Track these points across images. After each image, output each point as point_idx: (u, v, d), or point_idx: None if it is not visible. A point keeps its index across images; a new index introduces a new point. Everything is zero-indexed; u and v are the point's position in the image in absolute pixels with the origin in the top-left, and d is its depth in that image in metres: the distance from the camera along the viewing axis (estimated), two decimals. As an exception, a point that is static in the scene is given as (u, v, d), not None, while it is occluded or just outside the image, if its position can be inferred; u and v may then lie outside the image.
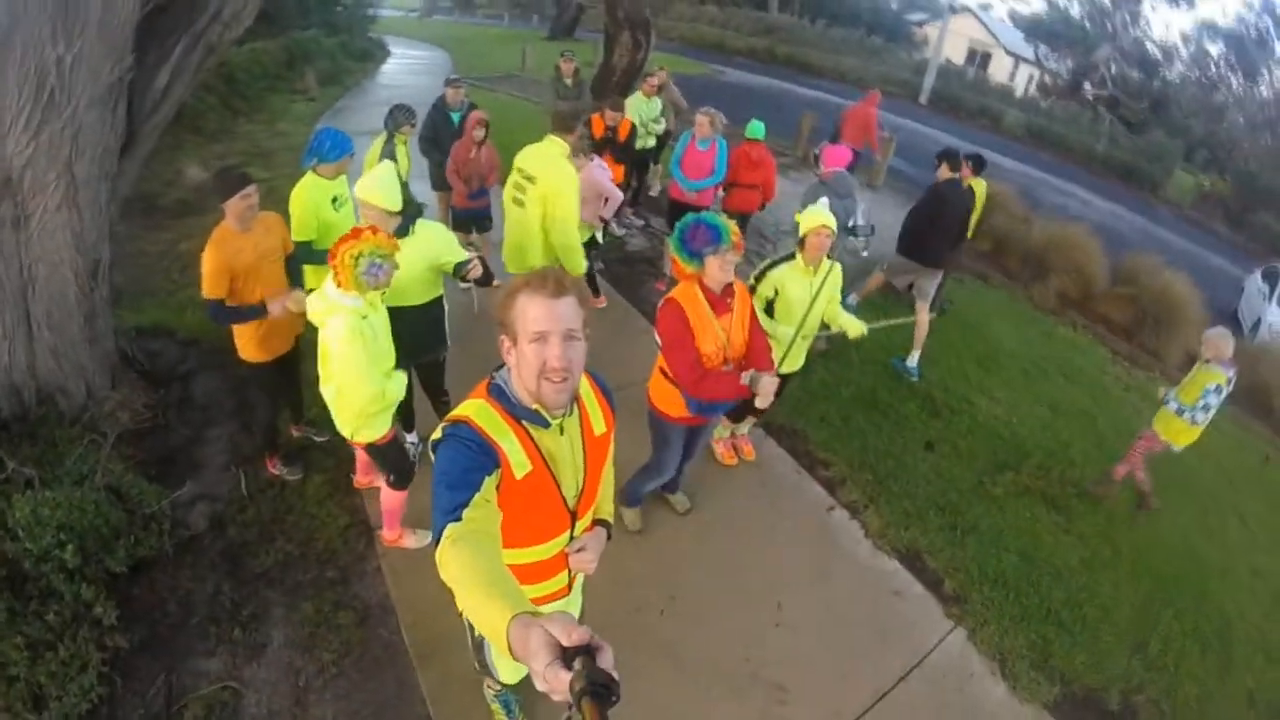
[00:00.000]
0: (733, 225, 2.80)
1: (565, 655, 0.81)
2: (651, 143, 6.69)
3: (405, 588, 3.10)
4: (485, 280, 3.25)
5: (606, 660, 0.81)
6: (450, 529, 1.27)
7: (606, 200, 4.61)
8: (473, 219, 5.28)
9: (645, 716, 2.80)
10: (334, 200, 3.50)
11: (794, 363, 3.77)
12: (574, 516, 1.70)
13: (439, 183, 5.56)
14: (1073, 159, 19.33)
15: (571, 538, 1.74)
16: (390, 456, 2.93)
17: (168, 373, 4.17)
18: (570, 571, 1.83)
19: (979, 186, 6.39)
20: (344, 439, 2.87)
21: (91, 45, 2.91)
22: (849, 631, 3.45)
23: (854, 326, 3.69)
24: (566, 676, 0.79)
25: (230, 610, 2.90)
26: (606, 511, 1.89)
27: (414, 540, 3.24)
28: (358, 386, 2.56)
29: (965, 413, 5.60)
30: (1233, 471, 6.69)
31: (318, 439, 3.78)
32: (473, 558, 1.19)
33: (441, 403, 3.65)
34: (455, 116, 5.43)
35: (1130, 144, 20.83)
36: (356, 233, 2.44)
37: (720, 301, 2.85)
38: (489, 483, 1.42)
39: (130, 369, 3.99)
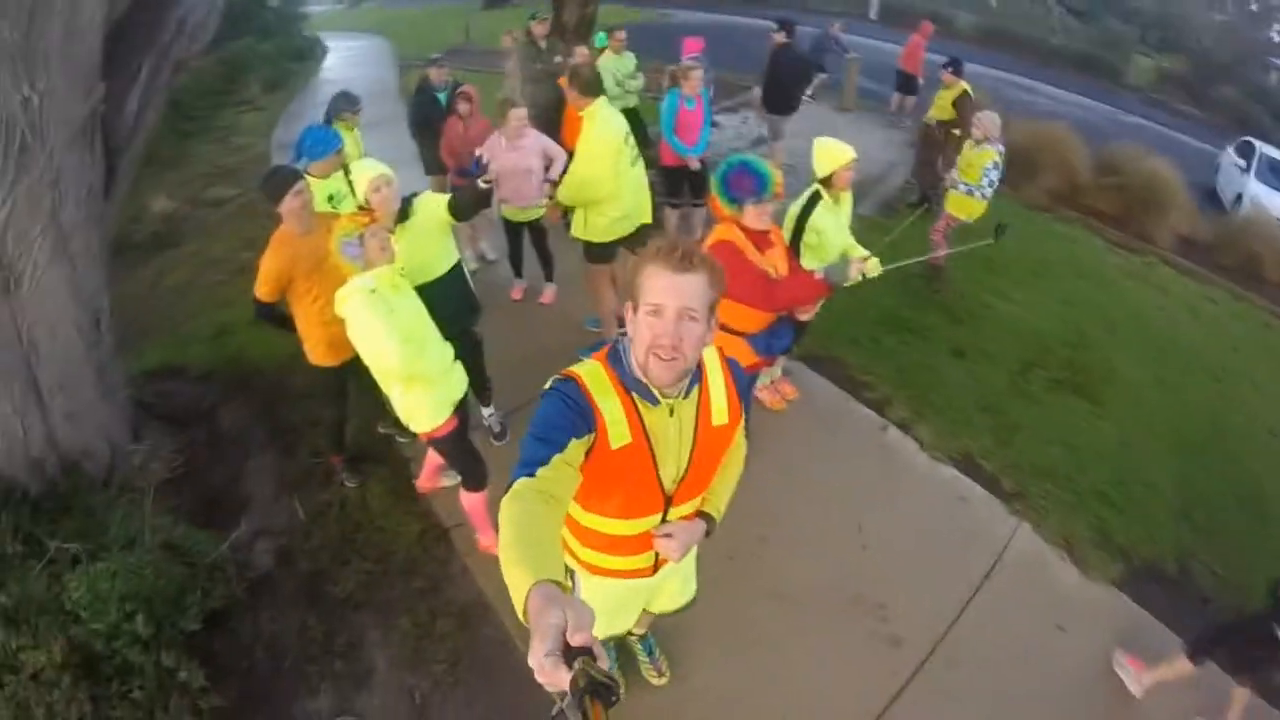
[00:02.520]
0: (777, 174, 2.74)
1: (566, 653, 0.82)
2: (632, 101, 6.33)
3: (499, 582, 3.01)
4: (484, 199, 3.09)
5: (604, 665, 0.81)
6: (520, 482, 1.27)
7: (551, 163, 4.37)
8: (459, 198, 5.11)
9: (764, 654, 2.91)
10: (330, 198, 3.39)
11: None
12: (669, 501, 1.65)
13: (432, 166, 5.41)
14: (1030, 55, 19.15)
15: (664, 522, 1.70)
16: (454, 452, 2.87)
17: (189, 413, 4.02)
18: (656, 556, 1.78)
19: (956, 89, 6.64)
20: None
21: (58, 80, 2.68)
22: (928, 542, 3.57)
23: (873, 266, 3.59)
24: (565, 674, 0.79)
25: (323, 643, 2.83)
26: (716, 507, 1.81)
27: None
28: (381, 350, 2.49)
29: (986, 317, 5.69)
30: (1237, 340, 6.86)
31: (401, 439, 3.72)
32: (522, 515, 1.19)
33: (485, 390, 3.59)
34: (442, 96, 5.25)
35: (1084, 33, 20.73)
36: (330, 226, 2.52)
37: (762, 238, 2.85)
38: (577, 446, 1.39)
39: (149, 416, 3.84)
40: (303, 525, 3.27)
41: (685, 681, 2.78)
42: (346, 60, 15.79)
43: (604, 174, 3.77)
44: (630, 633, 2.71)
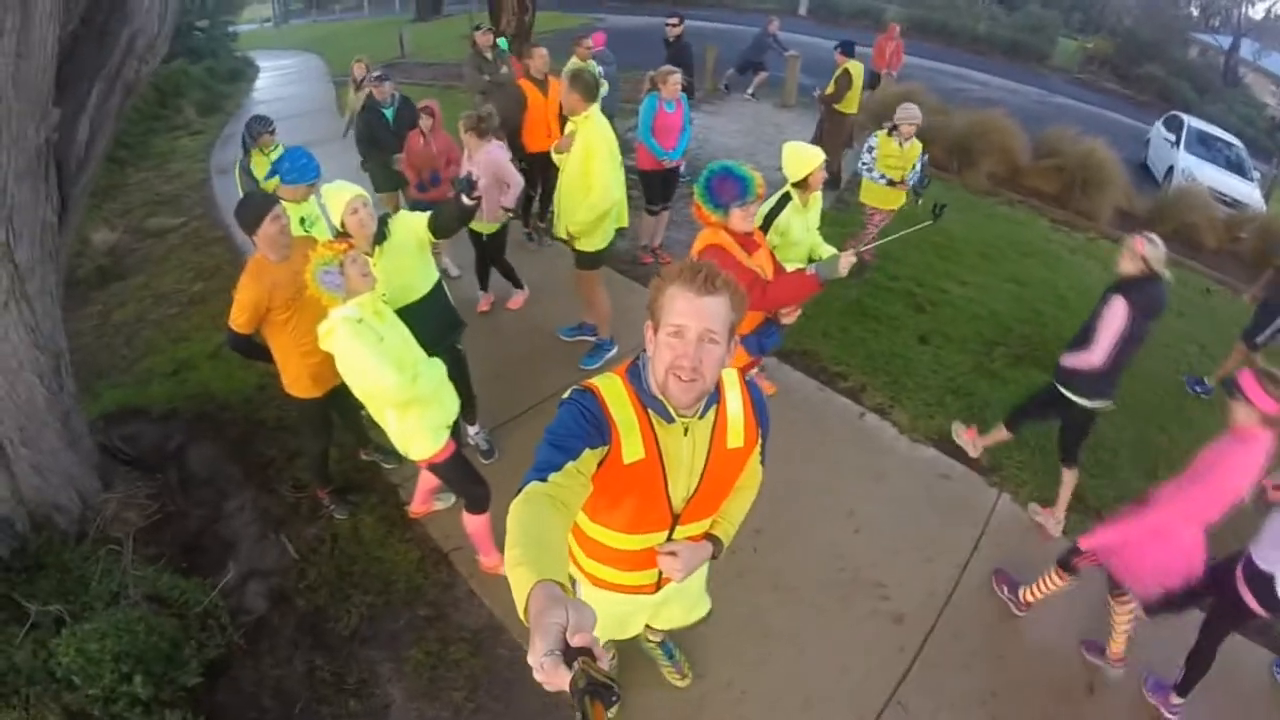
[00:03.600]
0: (757, 176, 2.79)
1: (566, 653, 0.83)
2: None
3: (507, 602, 2.98)
4: (469, 214, 3.03)
5: (603, 665, 0.82)
6: (531, 486, 1.29)
7: (507, 187, 4.34)
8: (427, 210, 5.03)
9: (774, 644, 2.97)
10: (302, 221, 3.32)
11: None
12: (677, 519, 1.66)
13: (382, 183, 5.33)
14: (959, 44, 19.83)
15: (670, 540, 1.70)
16: (454, 476, 2.82)
17: (157, 454, 3.83)
18: (660, 573, 1.78)
19: (854, 68, 7.26)
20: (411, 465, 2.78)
21: (9, 105, 2.51)
22: (917, 520, 3.72)
23: (845, 260, 3.22)
24: (565, 674, 0.80)
25: (333, 682, 2.74)
26: (725, 531, 1.81)
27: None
28: (379, 382, 2.44)
29: (944, 303, 5.89)
30: (1181, 305, 7.24)
31: (386, 465, 3.64)
32: (530, 517, 1.20)
33: (470, 408, 3.55)
34: (388, 112, 5.15)
35: (1010, 20, 21.49)
36: (306, 255, 2.45)
37: (748, 240, 2.90)
38: (590, 456, 1.41)
39: (117, 463, 3.65)
40: (295, 563, 3.15)
41: (703, 679, 2.82)
42: (279, 79, 15.37)
43: (612, 178, 3.83)
44: (648, 638, 2.72)
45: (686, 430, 1.53)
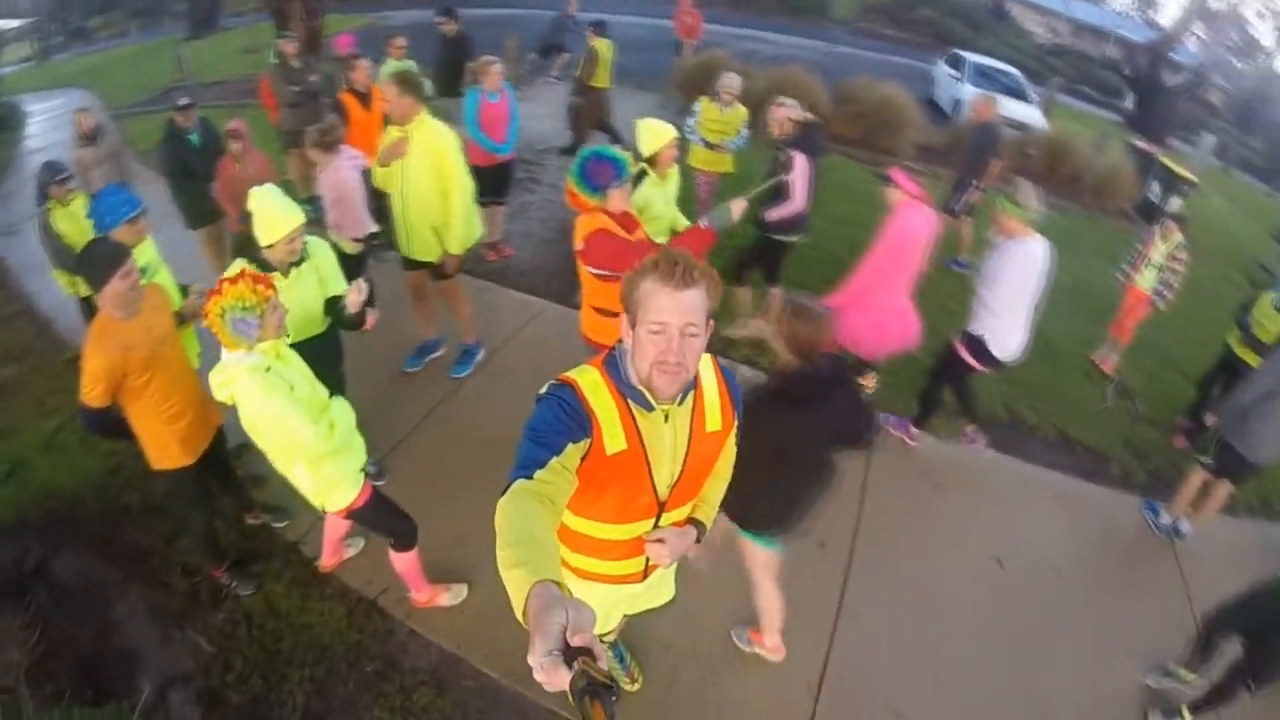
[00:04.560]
0: (629, 155, 2.85)
1: (566, 653, 0.83)
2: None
3: (452, 631, 2.93)
4: (359, 319, 2.93)
5: (603, 665, 0.83)
6: (518, 484, 1.29)
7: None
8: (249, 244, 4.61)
9: (719, 587, 3.02)
10: (143, 270, 2.92)
11: None
12: (662, 506, 1.67)
13: (197, 217, 4.82)
14: (746, 8, 20.88)
15: (656, 527, 1.72)
16: (377, 517, 2.67)
17: (16, 576, 3.21)
18: (647, 560, 1.81)
19: (601, 45, 7.47)
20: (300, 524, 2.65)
21: None
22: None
23: (737, 206, 3.29)
24: (565, 674, 0.81)
25: None
26: (706, 515, 1.85)
27: (449, 597, 3.02)
28: (296, 437, 2.27)
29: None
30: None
31: (278, 525, 3.33)
32: (518, 515, 1.20)
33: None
34: (194, 138, 4.64)
35: (783, -23, 23.03)
36: (220, 285, 2.17)
37: (627, 220, 2.95)
38: (573, 450, 1.41)
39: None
40: (214, 657, 2.83)
41: (670, 648, 2.92)
42: (51, 123, 13.08)
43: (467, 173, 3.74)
44: (602, 639, 2.77)
45: (667, 417, 1.54)
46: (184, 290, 3.12)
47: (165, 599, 3.05)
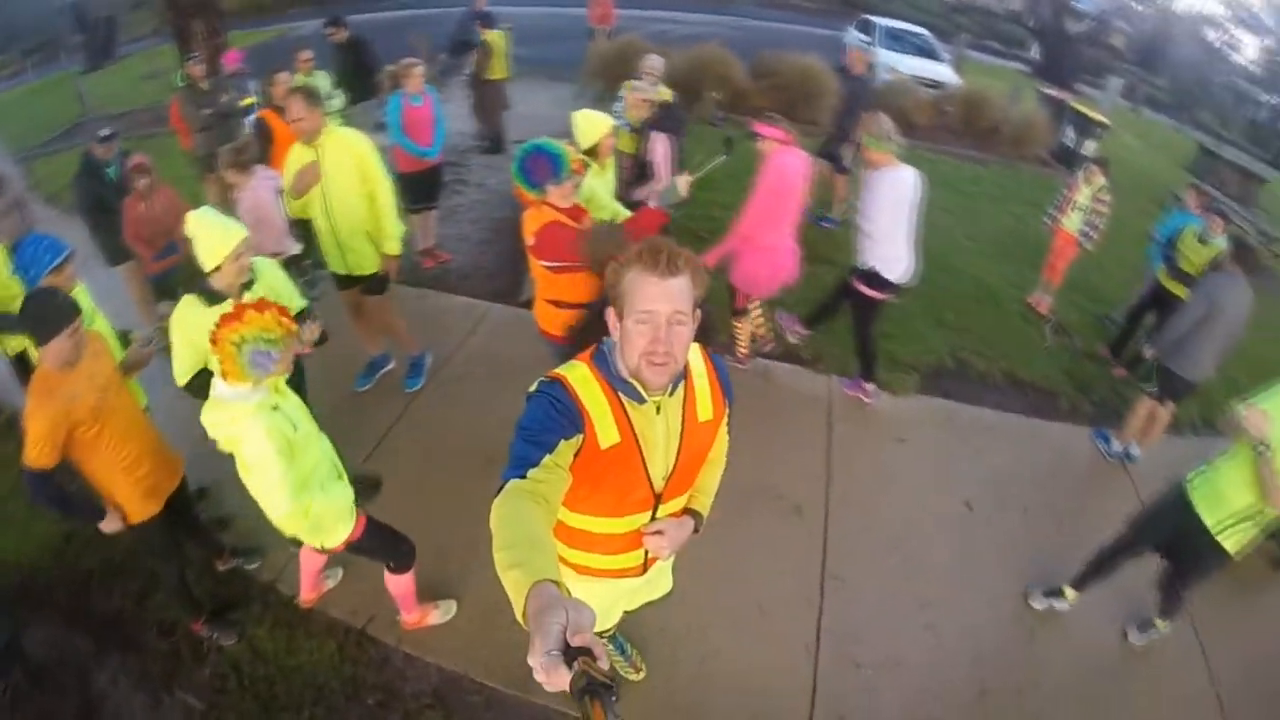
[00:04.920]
0: (571, 150, 2.84)
1: (567, 653, 0.83)
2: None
3: (448, 649, 2.91)
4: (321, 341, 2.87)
5: (603, 664, 0.83)
6: (512, 484, 1.29)
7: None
8: (172, 282, 4.36)
9: (708, 575, 3.13)
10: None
11: None
12: (659, 498, 1.67)
13: (118, 254, 4.56)
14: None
15: (653, 519, 1.72)
16: (377, 544, 2.62)
17: None
18: (646, 553, 1.81)
19: (494, 38, 7.69)
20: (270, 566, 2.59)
21: None
22: (773, 422, 4.18)
23: (683, 182, 3.56)
24: (566, 674, 0.81)
25: None
26: (702, 504, 1.84)
27: (439, 615, 2.98)
28: (271, 489, 2.19)
29: (720, 227, 6.22)
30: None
31: (250, 566, 3.23)
32: (514, 515, 1.20)
33: None
34: (112, 171, 4.40)
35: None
36: (239, 311, 2.01)
37: (576, 212, 2.97)
38: (566, 447, 1.40)
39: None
40: (206, 714, 2.73)
41: (664, 631, 2.96)
42: None
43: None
44: (602, 634, 2.80)
45: (659, 409, 1.54)
46: (122, 337, 2.98)
47: (146, 662, 2.92)
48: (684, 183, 3.05)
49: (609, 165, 3.78)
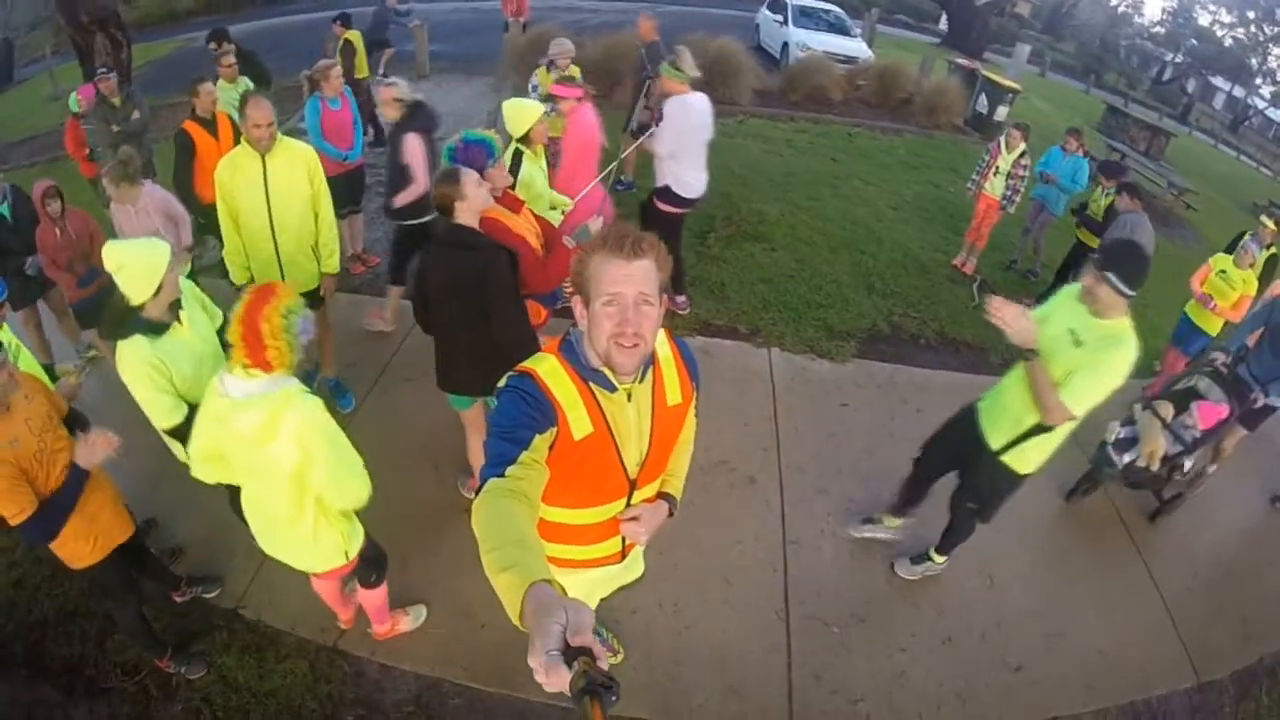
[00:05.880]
0: (494, 135, 2.92)
1: (566, 654, 0.83)
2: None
3: (420, 656, 2.92)
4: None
5: (603, 664, 0.83)
6: (492, 483, 1.29)
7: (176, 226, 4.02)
8: (96, 309, 4.15)
9: (673, 551, 3.23)
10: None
11: None
12: (633, 485, 1.68)
13: (18, 299, 4.14)
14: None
15: (629, 505, 1.73)
16: (374, 556, 2.62)
17: None
18: (624, 539, 1.82)
19: (353, 37, 7.74)
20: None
21: None
22: (719, 398, 4.27)
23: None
24: (566, 675, 0.81)
25: None
26: (675, 488, 1.86)
27: (410, 621, 2.98)
28: (353, 465, 2.16)
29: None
30: (834, 153, 8.83)
31: (209, 595, 3.15)
32: (498, 515, 1.20)
33: None
34: (3, 210, 4.14)
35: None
36: (268, 290, 1.97)
37: (511, 200, 3.03)
38: (541, 441, 1.41)
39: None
40: None
41: (635, 613, 3.05)
42: None
43: None
44: None
45: (630, 396, 1.54)
46: (48, 370, 2.85)
47: (114, 705, 2.83)
48: (596, 225, 3.16)
49: (540, 152, 3.80)
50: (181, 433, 2.42)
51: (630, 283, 1.38)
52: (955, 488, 3.04)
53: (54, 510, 2.23)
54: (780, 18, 12.97)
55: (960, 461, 2.98)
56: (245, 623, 3.07)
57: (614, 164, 3.96)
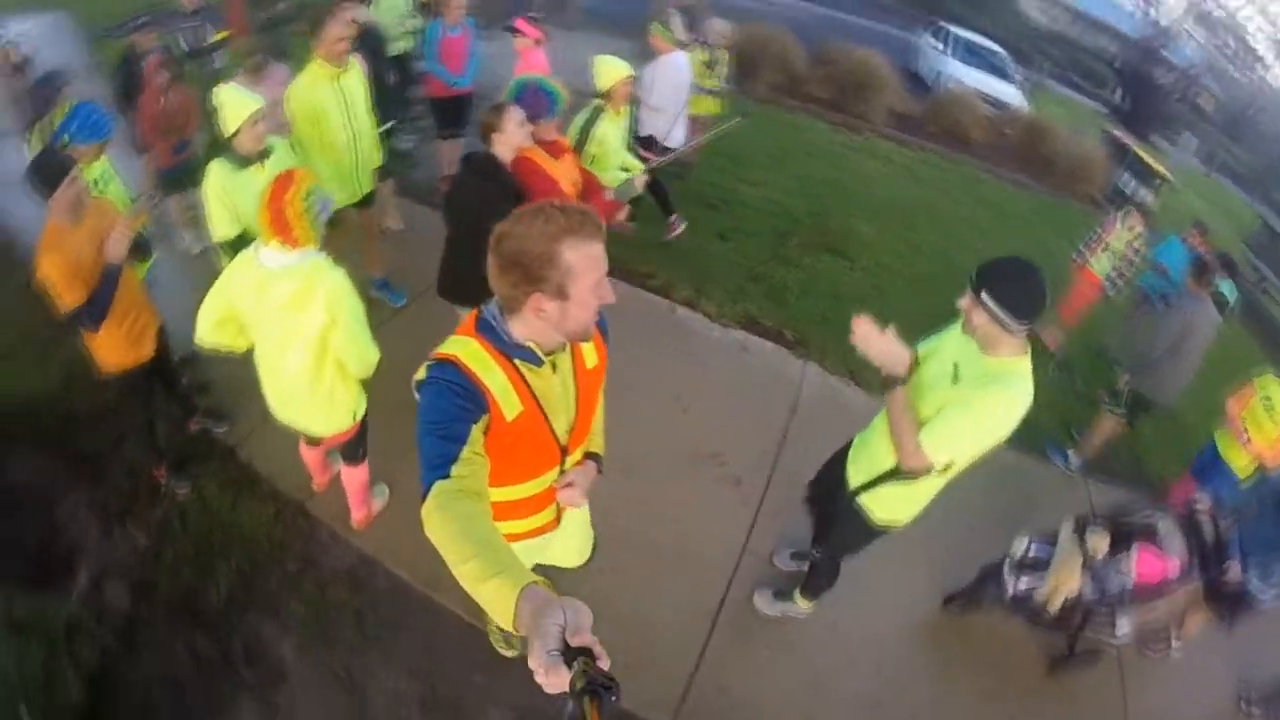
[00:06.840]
0: (561, 86, 2.96)
1: (566, 654, 0.83)
2: (410, 44, 5.70)
3: (372, 537, 3.10)
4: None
5: (604, 665, 0.83)
6: (439, 486, 1.24)
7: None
8: (182, 176, 4.43)
9: (630, 521, 3.23)
10: (95, 183, 2.98)
11: None
12: (564, 452, 1.68)
13: (141, 142, 4.53)
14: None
15: (562, 472, 1.73)
16: (364, 429, 2.82)
17: None
18: (558, 505, 1.84)
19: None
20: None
21: None
22: (737, 394, 4.22)
23: (639, 181, 3.69)
24: (566, 674, 0.81)
25: (220, 657, 2.67)
26: (598, 445, 1.87)
27: (380, 502, 3.20)
28: (368, 333, 2.39)
29: (738, 201, 6.43)
30: (952, 191, 8.38)
31: (218, 430, 3.48)
32: (461, 523, 1.16)
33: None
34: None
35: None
36: (288, 179, 2.18)
37: (553, 146, 3.09)
38: (476, 431, 1.36)
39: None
40: (148, 549, 2.98)
41: (585, 582, 3.04)
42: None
43: None
44: None
45: (554, 367, 1.53)
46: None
47: (107, 498, 3.19)
48: (640, 181, 3.17)
49: (624, 113, 3.83)
50: (235, 246, 2.83)
51: (605, 259, 1.41)
52: (814, 525, 2.81)
53: (98, 299, 2.56)
54: (941, 45, 12.45)
55: (821, 497, 2.70)
56: (237, 462, 3.36)
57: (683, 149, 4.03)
